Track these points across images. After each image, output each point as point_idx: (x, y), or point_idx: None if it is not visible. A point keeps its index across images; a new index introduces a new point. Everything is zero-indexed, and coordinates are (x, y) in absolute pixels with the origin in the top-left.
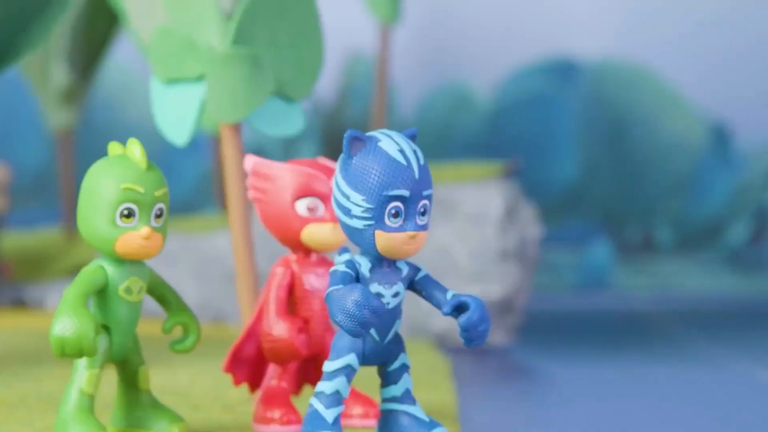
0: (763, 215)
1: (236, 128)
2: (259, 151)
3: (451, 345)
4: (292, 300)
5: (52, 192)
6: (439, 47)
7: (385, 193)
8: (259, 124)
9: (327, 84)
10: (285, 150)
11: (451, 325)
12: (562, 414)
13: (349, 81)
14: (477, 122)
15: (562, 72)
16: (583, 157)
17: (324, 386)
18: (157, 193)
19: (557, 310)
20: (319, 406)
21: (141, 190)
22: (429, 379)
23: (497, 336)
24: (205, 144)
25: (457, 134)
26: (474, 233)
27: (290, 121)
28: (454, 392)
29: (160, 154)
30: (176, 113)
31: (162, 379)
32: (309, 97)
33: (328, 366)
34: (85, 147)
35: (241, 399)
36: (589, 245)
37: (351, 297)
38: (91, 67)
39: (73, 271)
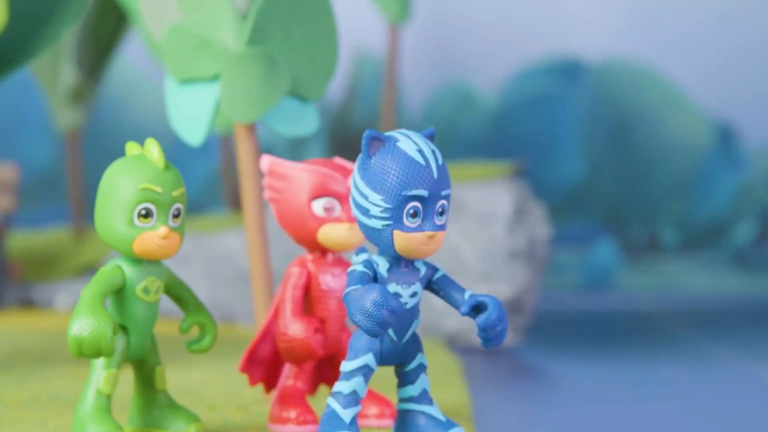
0: None
1: (251, 128)
2: (268, 151)
3: (462, 345)
4: (309, 300)
5: (60, 192)
6: (443, 47)
7: (403, 193)
8: (274, 124)
9: (334, 83)
10: (292, 150)
11: (462, 325)
12: (573, 414)
13: (356, 80)
14: (481, 122)
15: (567, 72)
16: (587, 157)
17: (341, 386)
18: (175, 193)
19: (562, 310)
20: (336, 406)
21: (159, 190)
22: (442, 379)
23: (506, 336)
24: (214, 144)
25: (462, 134)
26: (482, 233)
27: (305, 121)
28: (467, 392)
29: (169, 154)
30: (191, 113)
31: (176, 378)
32: (322, 98)
33: (345, 366)
34: (92, 147)
35: (256, 399)
36: (593, 245)
37: (370, 297)
38: (99, 66)
39: (82, 270)
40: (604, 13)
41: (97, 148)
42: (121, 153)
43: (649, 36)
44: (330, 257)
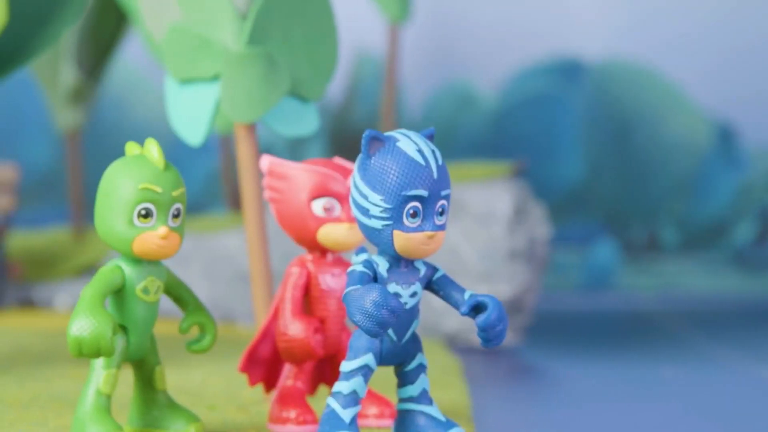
0: None
1: (251, 128)
2: (268, 151)
3: (462, 345)
4: (308, 300)
5: (60, 192)
6: (444, 47)
7: (403, 193)
8: (274, 124)
9: (334, 83)
10: (292, 150)
11: (462, 326)
12: (573, 414)
13: (356, 80)
14: (481, 122)
15: (567, 72)
16: (587, 157)
17: (341, 386)
18: (175, 193)
19: (563, 310)
20: (336, 405)
21: (159, 190)
22: (441, 379)
23: (506, 336)
24: (214, 144)
25: (462, 134)
26: (482, 233)
27: (305, 121)
28: (466, 392)
29: (169, 154)
30: (191, 113)
31: (176, 378)
32: (322, 98)
33: (345, 366)
34: (93, 147)
35: (255, 399)
36: (593, 245)
37: (369, 297)
38: (99, 66)
39: (82, 270)
40: (604, 13)
41: (97, 148)
42: (121, 153)
43: (649, 36)
44: (330, 257)
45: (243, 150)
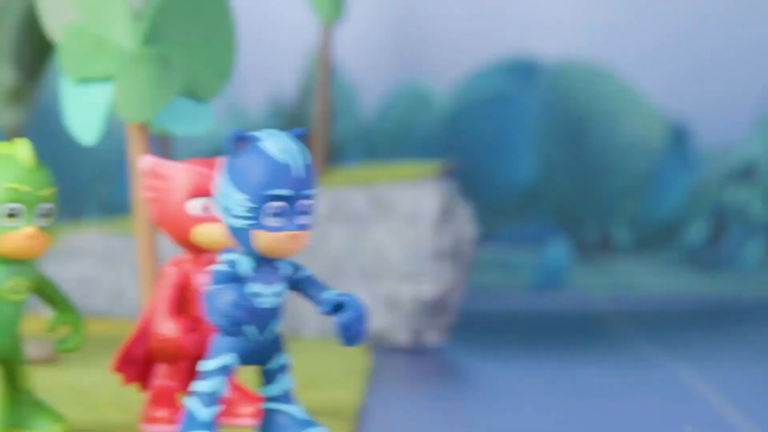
0: (721, 215)
1: (143, 128)
2: (222, 153)
3: (386, 345)
4: (184, 300)
5: None
6: (398, 47)
7: (265, 192)
8: (166, 123)
9: (287, 83)
10: None
11: (388, 325)
12: (479, 413)
13: (309, 80)
14: (436, 122)
15: (522, 72)
16: (541, 157)
17: (201, 386)
18: (43, 193)
19: (512, 310)
20: (195, 405)
21: (26, 189)
22: (341, 379)
23: (430, 336)
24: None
25: (416, 134)
26: (408, 233)
27: (199, 121)
28: (362, 392)
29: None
30: (86, 112)
31: (68, 378)
32: (217, 97)
33: (205, 365)
34: (37, 146)
35: (140, 399)
36: (546, 245)
37: (225, 296)
38: (38, 67)
39: None
40: (560, 15)
41: (40, 148)
42: (66, 153)
43: (605, 37)
44: (206, 257)
45: (134, 150)
